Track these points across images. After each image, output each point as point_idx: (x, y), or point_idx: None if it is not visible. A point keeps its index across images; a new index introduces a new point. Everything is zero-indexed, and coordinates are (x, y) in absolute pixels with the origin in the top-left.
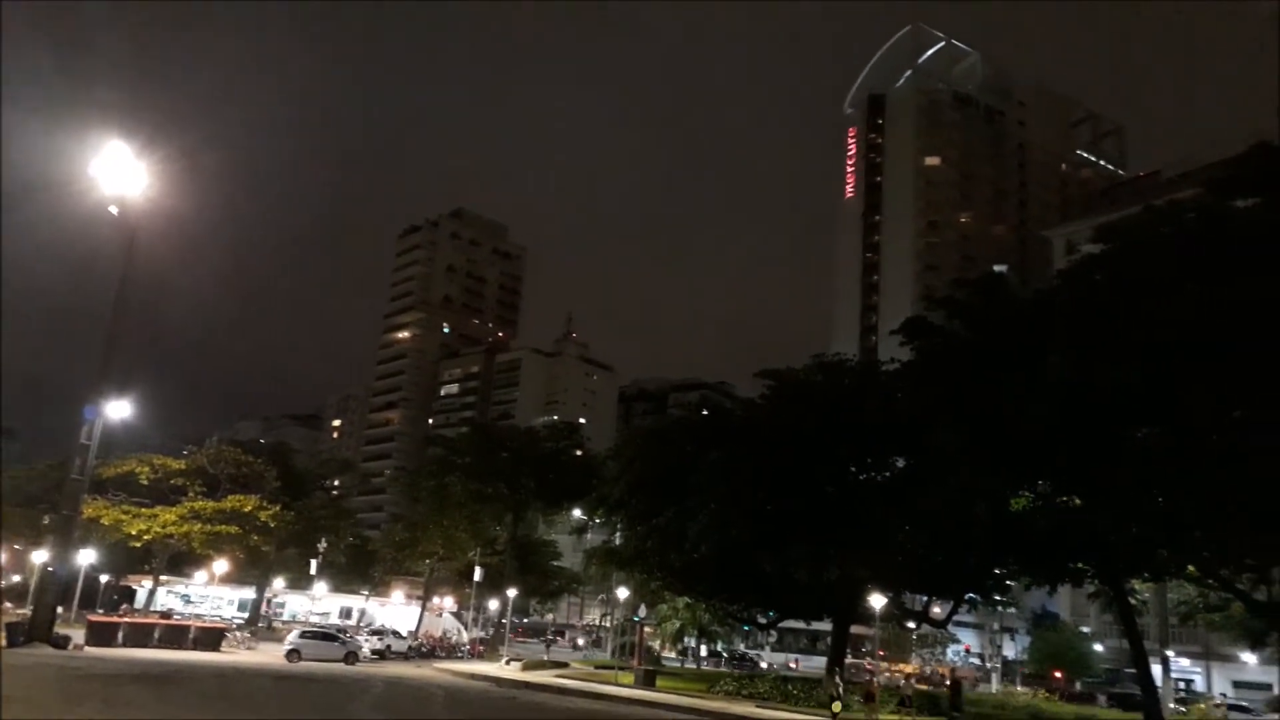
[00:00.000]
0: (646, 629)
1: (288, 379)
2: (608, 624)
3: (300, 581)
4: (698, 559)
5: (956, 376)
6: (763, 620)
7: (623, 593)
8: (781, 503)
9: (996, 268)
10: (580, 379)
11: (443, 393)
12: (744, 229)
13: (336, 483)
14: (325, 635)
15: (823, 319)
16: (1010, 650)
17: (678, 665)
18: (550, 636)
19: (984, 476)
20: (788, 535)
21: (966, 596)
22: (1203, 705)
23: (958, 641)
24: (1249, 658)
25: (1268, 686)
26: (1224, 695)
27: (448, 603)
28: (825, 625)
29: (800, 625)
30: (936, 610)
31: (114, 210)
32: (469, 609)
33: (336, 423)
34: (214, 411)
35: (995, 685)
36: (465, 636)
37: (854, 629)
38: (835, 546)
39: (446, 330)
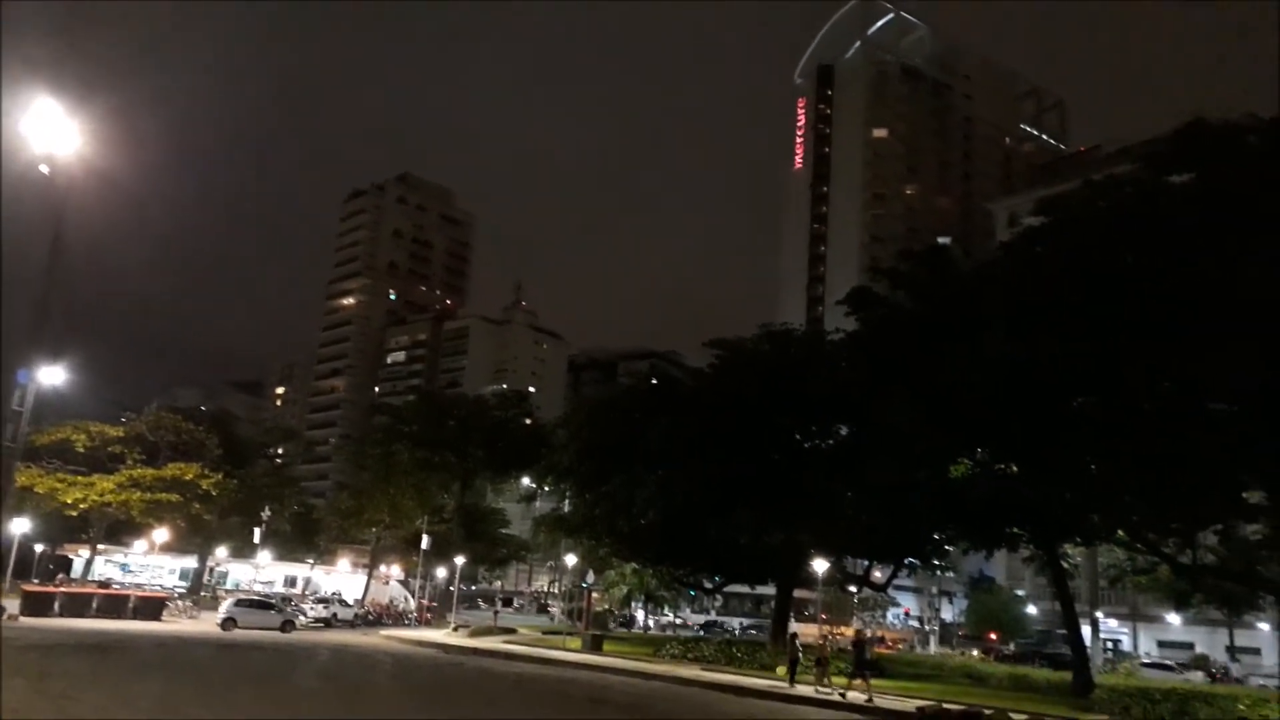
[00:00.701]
0: (595, 594)
1: (229, 345)
2: (556, 590)
3: (244, 550)
4: (645, 525)
5: (900, 347)
6: (708, 585)
7: (571, 559)
8: (728, 470)
9: (940, 240)
10: (529, 347)
11: (389, 360)
12: (696, 198)
13: (280, 451)
14: (261, 604)
15: (771, 289)
16: (948, 613)
17: (660, 632)
18: (499, 604)
19: (926, 445)
20: (733, 501)
21: (906, 561)
22: (1128, 665)
23: (897, 605)
24: (1173, 618)
25: (1190, 646)
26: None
27: (394, 571)
28: (769, 589)
29: (745, 589)
30: (877, 574)
31: (45, 170)
32: (416, 577)
33: (280, 390)
34: (152, 378)
35: (934, 647)
36: (412, 604)
37: (797, 593)
38: (780, 512)
39: (393, 297)
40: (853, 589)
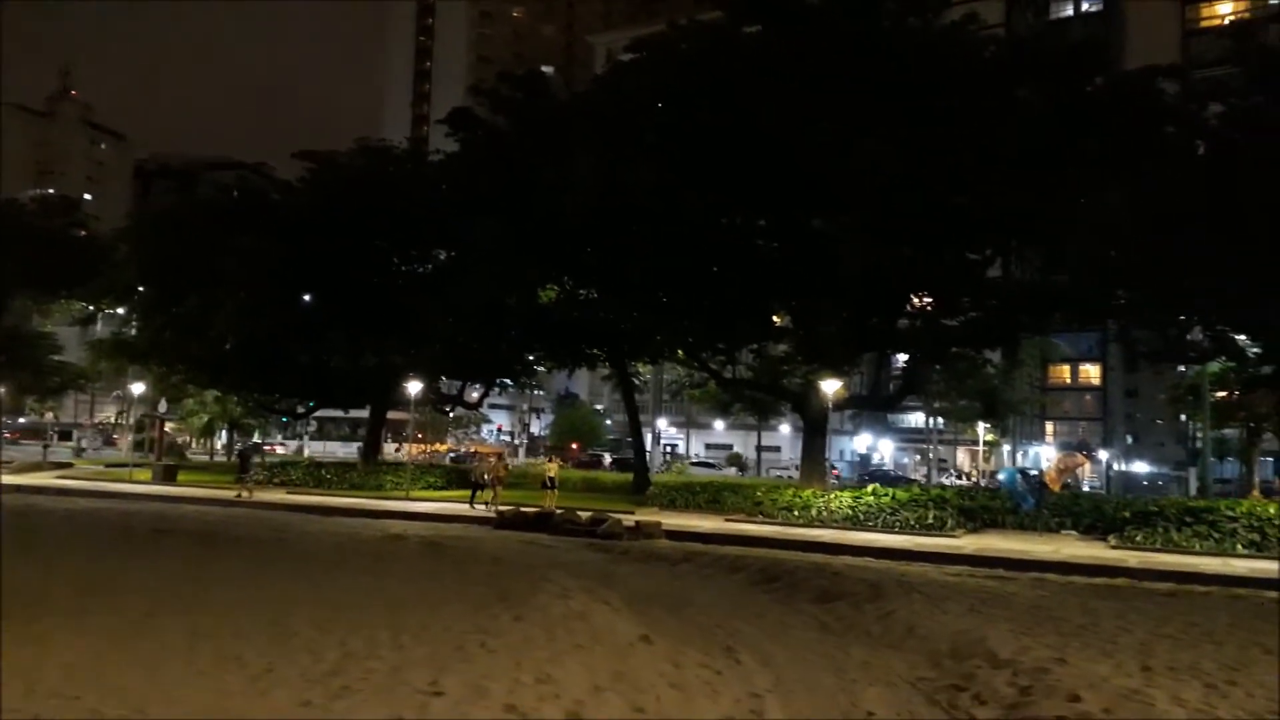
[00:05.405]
0: (170, 425)
1: None
2: (125, 421)
3: None
4: (227, 350)
5: (497, 171)
6: (301, 410)
7: (139, 388)
8: (318, 291)
9: (544, 68)
10: (84, 147)
11: None
12: None
13: None
14: None
15: (376, 103)
16: (537, 427)
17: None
18: (52, 437)
19: (517, 269)
20: (326, 325)
21: (499, 381)
22: (680, 465)
23: (490, 422)
24: (719, 424)
25: (730, 447)
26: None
27: None
28: (364, 413)
29: (339, 414)
30: (473, 394)
31: None
32: None
33: None
34: None
35: (522, 458)
36: None
37: (392, 414)
38: (375, 335)
39: None
40: (448, 409)
